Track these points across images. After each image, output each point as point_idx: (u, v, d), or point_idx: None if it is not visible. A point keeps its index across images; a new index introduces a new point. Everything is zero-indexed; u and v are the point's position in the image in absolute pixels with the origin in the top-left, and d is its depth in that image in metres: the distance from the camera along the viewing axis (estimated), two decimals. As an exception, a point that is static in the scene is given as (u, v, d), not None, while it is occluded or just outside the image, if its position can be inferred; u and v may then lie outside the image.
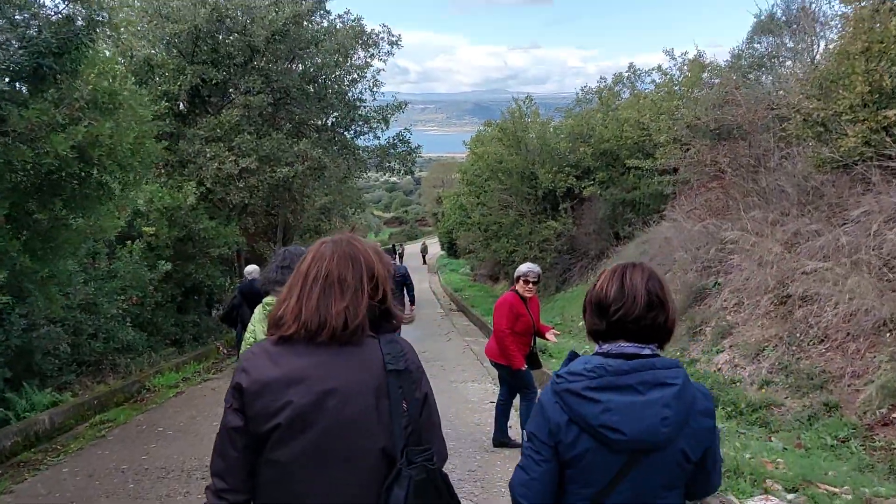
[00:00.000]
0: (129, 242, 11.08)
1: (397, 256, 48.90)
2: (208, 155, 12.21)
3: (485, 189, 24.73)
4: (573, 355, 2.04)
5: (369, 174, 35.28)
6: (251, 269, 10.71)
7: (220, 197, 12.77)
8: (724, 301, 11.01)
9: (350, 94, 17.10)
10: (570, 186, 21.60)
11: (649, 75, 23.82)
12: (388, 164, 19.79)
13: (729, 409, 7.43)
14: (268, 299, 3.76)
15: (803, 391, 7.36)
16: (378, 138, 19.51)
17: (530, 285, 6.33)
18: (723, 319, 10.54)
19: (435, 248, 56.44)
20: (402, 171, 20.00)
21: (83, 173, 6.94)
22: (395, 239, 68.37)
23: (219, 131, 12.45)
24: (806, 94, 11.43)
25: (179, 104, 13.25)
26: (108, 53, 12.45)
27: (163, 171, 12.59)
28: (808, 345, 8.13)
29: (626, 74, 25.31)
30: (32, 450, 6.83)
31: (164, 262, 11.23)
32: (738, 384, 8.43)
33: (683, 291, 12.11)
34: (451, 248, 48.72)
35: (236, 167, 12.24)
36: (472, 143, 30.45)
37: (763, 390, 7.85)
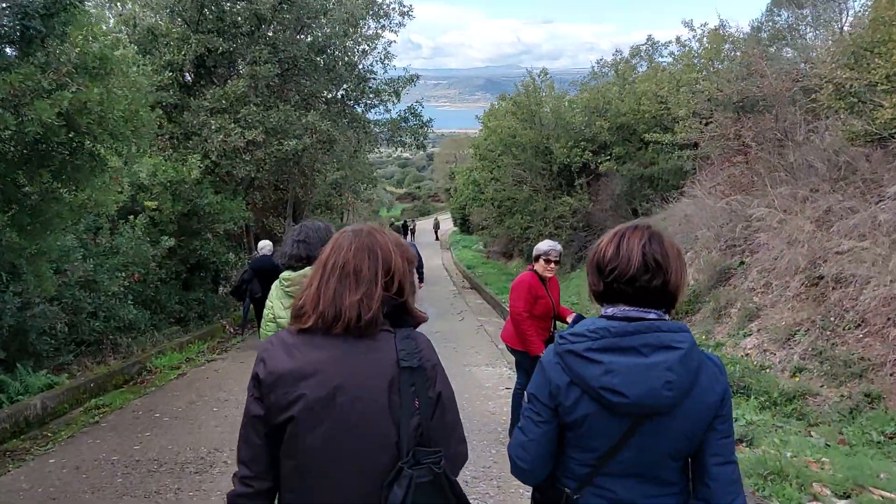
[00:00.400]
0: (131, 217, 10.70)
1: (409, 233, 48.96)
2: (213, 127, 11.76)
3: (498, 164, 24.18)
4: (579, 318, 2.15)
5: (381, 149, 34.80)
6: (264, 244, 10.79)
7: (226, 171, 12.34)
8: (752, 282, 10.52)
9: (360, 66, 16.56)
10: (586, 161, 21.03)
11: (667, 48, 23.11)
12: (399, 139, 19.29)
13: (762, 398, 6.96)
14: (284, 275, 3.73)
15: (840, 380, 6.88)
16: (389, 112, 19.02)
17: (552, 265, 5.78)
18: (750, 301, 10.05)
19: (447, 223, 55.95)
20: (413, 146, 19.48)
21: (73, 143, 6.52)
22: (408, 215, 67.89)
23: (224, 102, 11.98)
24: (838, 64, 10.84)
25: (184, 75, 12.77)
26: (111, 23, 12.03)
27: (168, 143, 12.15)
28: (844, 330, 7.63)
29: (644, 47, 24.61)
30: (21, 437, 6.48)
31: (167, 237, 10.84)
32: (768, 370, 7.96)
33: (707, 271, 11.62)
34: (463, 225, 48.25)
35: (242, 140, 11.79)
36: (486, 117, 29.84)
37: (796, 378, 7.38)
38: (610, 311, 1.92)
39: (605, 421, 1.83)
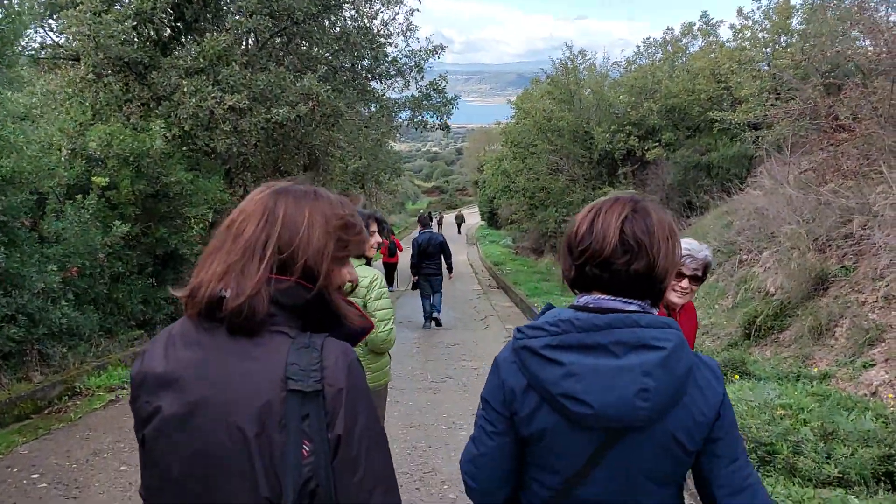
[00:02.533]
0: (79, 197, 8.57)
1: (434, 224, 47.27)
2: (186, 90, 9.57)
3: (532, 151, 21.83)
4: (548, 307, 1.60)
5: (400, 134, 32.57)
6: None
7: (203, 144, 10.15)
8: (863, 293, 8.09)
9: (375, 31, 14.29)
10: (631, 148, 18.61)
11: (718, 27, 20.47)
12: (419, 117, 17.04)
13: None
14: None
15: None
16: (408, 87, 16.80)
17: (685, 283, 2.92)
18: (864, 318, 7.63)
19: (475, 217, 53.57)
20: (436, 126, 17.17)
21: None
22: (434, 207, 65.90)
23: (202, 61, 9.79)
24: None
25: (157, 28, 10.62)
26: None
27: (137, 110, 10.00)
28: None
29: (698, 24, 22.08)
30: None
31: (120, 222, 8.68)
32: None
33: (797, 277, 9.18)
34: (491, 219, 46.03)
35: (221, 105, 9.59)
36: (518, 100, 27.52)
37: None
38: (582, 300, 1.56)
39: (568, 436, 1.49)
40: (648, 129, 18.88)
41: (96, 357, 8.36)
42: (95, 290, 8.94)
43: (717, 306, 11.53)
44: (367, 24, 13.87)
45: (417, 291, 12.31)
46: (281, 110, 9.97)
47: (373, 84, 14.48)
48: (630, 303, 1.51)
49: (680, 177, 16.11)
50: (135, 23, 9.71)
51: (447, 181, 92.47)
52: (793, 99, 12.66)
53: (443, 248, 11.94)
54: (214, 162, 11.21)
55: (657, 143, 18.16)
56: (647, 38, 23.43)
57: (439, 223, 48.81)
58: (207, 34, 10.02)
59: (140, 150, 9.15)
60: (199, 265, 1.37)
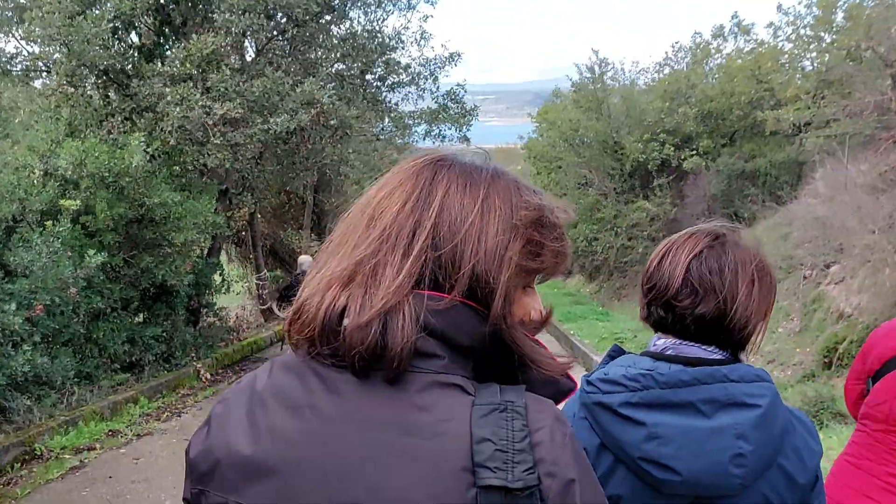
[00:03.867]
0: (49, 224, 7.43)
1: None
2: (170, 99, 8.43)
3: (558, 164, 20.55)
4: (617, 351, 1.45)
5: (423, 146, 31.49)
6: (304, 260, 10.81)
7: (193, 160, 8.99)
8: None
9: (384, 36, 13.15)
10: (666, 157, 17.25)
11: (749, 32, 19.13)
12: (436, 130, 15.90)
13: None
14: None
15: None
16: (422, 98, 15.67)
17: None
18: None
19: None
20: (455, 139, 15.97)
21: None
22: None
23: (188, 66, 8.66)
24: None
25: (138, 33, 9.54)
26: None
27: (116, 124, 8.87)
28: None
29: (729, 25, 20.78)
30: None
31: (94, 251, 7.50)
32: None
33: (886, 295, 7.80)
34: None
35: (210, 116, 8.43)
36: (541, 113, 26.32)
37: None
38: (659, 343, 1.37)
39: (648, 503, 1.29)
40: (684, 136, 17.54)
41: (68, 409, 7.16)
42: (70, 330, 7.77)
43: (780, 330, 10.13)
44: (378, 28, 12.74)
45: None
46: (279, 119, 8.78)
47: (380, 87, 13.31)
48: (712, 351, 1.34)
49: (723, 186, 14.74)
50: (113, 26, 8.61)
51: None
52: (849, 94, 11.30)
53: None
54: (209, 182, 10.06)
55: (694, 152, 16.81)
56: (676, 43, 22.15)
57: None
58: (194, 35, 8.89)
59: (118, 168, 7.99)
60: (311, 269, 0.91)
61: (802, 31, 16.77)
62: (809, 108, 12.69)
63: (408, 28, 14.68)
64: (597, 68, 18.97)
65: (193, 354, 9.95)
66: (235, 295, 17.43)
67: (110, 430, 6.81)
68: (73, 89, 9.04)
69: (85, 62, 8.54)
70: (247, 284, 18.41)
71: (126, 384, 8.42)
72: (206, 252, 11.00)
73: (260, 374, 0.93)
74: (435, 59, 15.16)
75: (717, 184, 14.75)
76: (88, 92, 9.23)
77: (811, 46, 16.23)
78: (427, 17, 14.82)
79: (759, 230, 13.38)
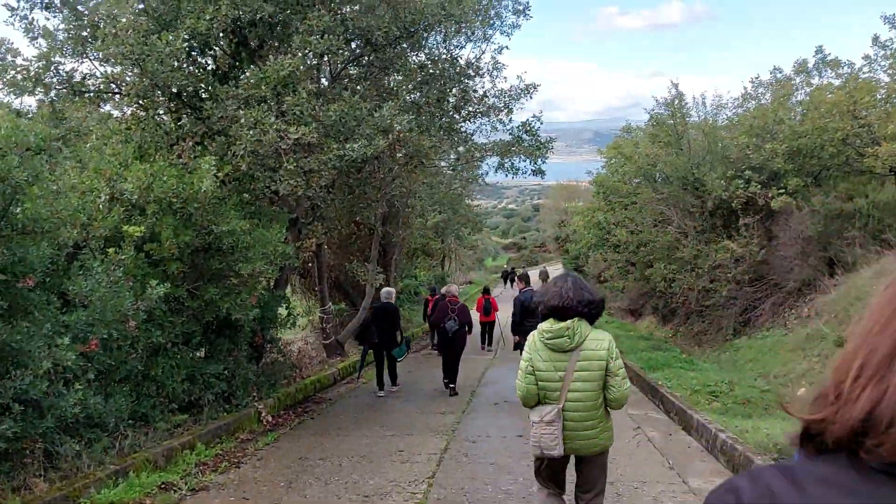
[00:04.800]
0: (111, 251, 6.93)
1: (518, 280, 45.73)
2: (244, 122, 7.94)
3: (633, 200, 19.60)
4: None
5: (479, 195, 30.88)
6: (388, 292, 11.55)
7: (265, 187, 8.46)
8: None
9: (460, 65, 12.57)
10: (751, 196, 16.15)
11: (838, 67, 17.91)
12: (509, 162, 15.23)
13: None
14: (545, 326, 4.03)
15: None
16: (496, 129, 15.06)
17: None
18: None
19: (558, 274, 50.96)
20: (528, 171, 15.24)
21: None
22: (513, 264, 64.05)
23: (263, 88, 8.19)
24: None
25: (214, 53, 9.13)
26: None
27: (186, 147, 8.42)
28: None
29: (813, 60, 19.64)
30: None
31: (157, 282, 6.96)
32: None
33: None
34: (576, 277, 43.48)
35: (285, 140, 7.90)
36: (611, 148, 25.46)
37: None
38: None
39: None
40: (770, 174, 16.43)
41: (119, 456, 6.56)
42: (127, 367, 7.23)
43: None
44: (455, 56, 12.19)
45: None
46: (355, 145, 8.20)
47: (456, 117, 12.71)
48: None
49: (820, 227, 13.59)
50: (188, 46, 8.20)
51: (524, 237, 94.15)
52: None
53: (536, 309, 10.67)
54: (279, 210, 9.53)
55: (783, 190, 15.69)
56: (756, 78, 21.05)
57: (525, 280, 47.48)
58: (271, 57, 8.41)
59: (187, 193, 7.50)
60: (844, 355, 0.84)
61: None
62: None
63: (481, 59, 14.13)
64: (676, 101, 18.07)
65: (255, 394, 9.34)
66: (300, 329, 16.90)
67: (163, 483, 6.17)
68: (144, 112, 8.65)
69: (157, 83, 8.14)
70: (311, 317, 17.88)
71: (183, 426, 7.83)
72: (272, 283, 10.46)
73: (775, 485, 0.79)
74: (510, 91, 14.56)
75: (815, 225, 13.62)
76: (161, 114, 8.82)
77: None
78: (502, 49, 14.28)
79: (864, 277, 12.21)
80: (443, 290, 14.91)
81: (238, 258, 7.95)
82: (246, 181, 8.48)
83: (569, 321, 3.96)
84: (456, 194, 23.87)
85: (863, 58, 16.86)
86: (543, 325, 3.98)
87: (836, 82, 17.15)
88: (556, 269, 52.40)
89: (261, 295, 8.89)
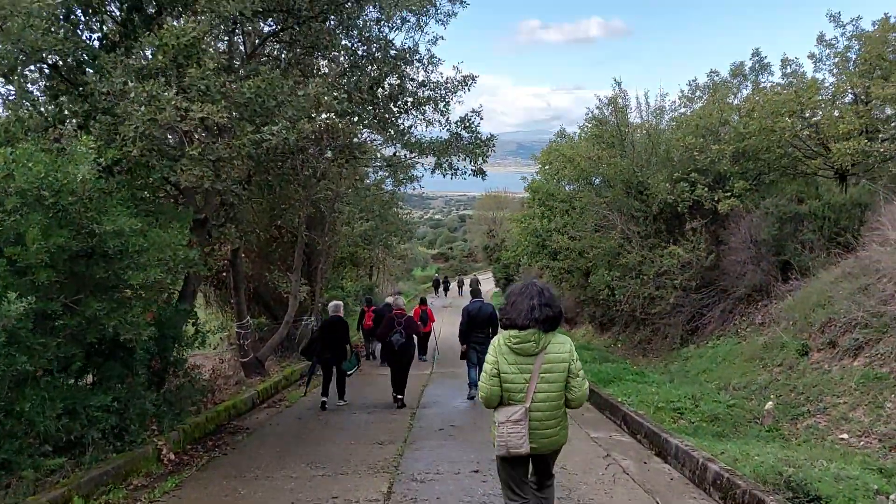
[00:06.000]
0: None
1: (459, 288, 49.80)
2: (135, 97, 6.47)
3: (573, 205, 18.74)
4: None
5: (404, 206, 29.66)
6: (336, 305, 11.16)
7: (161, 178, 6.99)
8: None
9: (397, 49, 11.33)
10: (698, 199, 15.47)
11: (783, 68, 17.52)
12: (447, 161, 14.05)
13: None
14: (512, 333, 4.13)
15: None
16: (432, 124, 13.89)
17: None
18: None
19: (489, 283, 50.18)
20: (469, 171, 14.08)
21: None
22: (443, 274, 63.17)
23: (160, 59, 6.74)
24: None
25: (100, 20, 7.62)
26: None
27: (67, 131, 6.86)
28: None
29: (750, 63, 19.29)
30: None
31: (15, 295, 5.43)
32: None
33: None
34: (507, 286, 42.72)
35: (186, 120, 6.47)
36: (545, 154, 24.70)
37: None
38: None
39: None
40: (717, 176, 15.81)
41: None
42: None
43: (888, 405, 8.19)
44: (390, 39, 10.93)
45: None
46: (275, 128, 6.83)
47: (396, 117, 11.43)
48: None
49: (775, 231, 12.90)
50: (66, 8, 6.69)
51: (451, 248, 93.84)
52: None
53: (492, 320, 11.22)
54: (184, 210, 8.05)
55: (730, 193, 15.06)
56: (693, 80, 20.58)
57: (459, 286, 51.59)
58: (169, 19, 6.97)
59: (60, 184, 5.99)
60: None
61: (851, 66, 15.30)
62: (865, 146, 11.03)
63: (416, 50, 12.94)
64: (619, 100, 17.31)
65: (155, 427, 7.80)
66: (212, 348, 15.26)
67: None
68: (11, 87, 7.07)
69: (26, 50, 6.57)
70: (227, 333, 16.25)
71: (60, 472, 6.26)
72: (176, 296, 8.93)
73: None
74: (447, 83, 13.39)
75: (769, 228, 12.91)
76: (32, 91, 7.25)
77: (858, 81, 14.69)
78: (437, 39, 13.10)
79: (822, 281, 11.53)
80: (389, 301, 15.03)
81: (128, 265, 6.45)
82: (140, 171, 6.99)
83: (531, 329, 4.10)
84: (385, 200, 22.52)
85: (808, 56, 16.48)
86: (510, 332, 4.12)
87: (782, 81, 16.72)
88: (486, 278, 51.63)
89: (160, 309, 7.39)
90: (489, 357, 4.16)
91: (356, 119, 9.47)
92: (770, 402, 9.61)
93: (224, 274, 15.37)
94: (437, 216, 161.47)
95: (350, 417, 10.00)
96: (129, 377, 7.70)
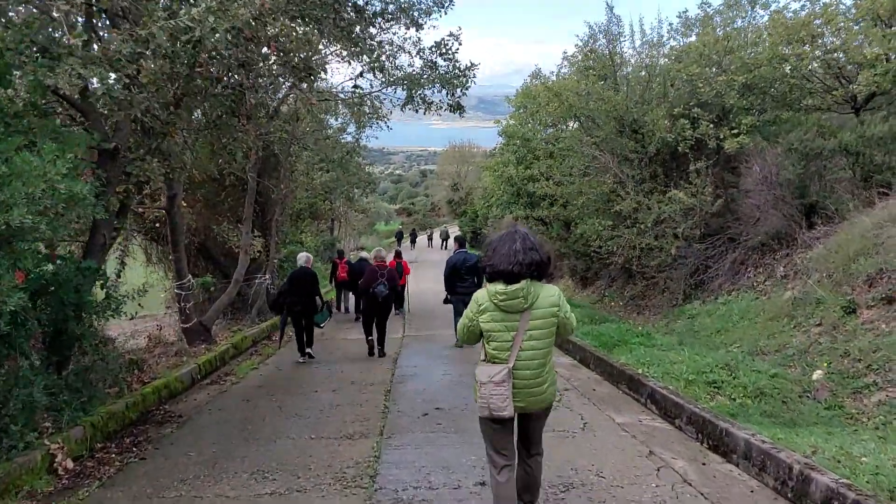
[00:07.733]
0: None
1: (436, 240, 49.56)
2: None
3: (559, 146, 16.90)
4: None
5: (365, 160, 27.48)
6: (303, 256, 10.91)
7: (35, 81, 4.95)
8: None
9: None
10: (701, 137, 13.76)
11: None
12: (420, 94, 12.19)
13: None
14: (498, 288, 3.77)
15: None
16: (402, 50, 11.99)
17: None
18: None
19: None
20: (445, 105, 12.17)
21: None
22: (406, 227, 61.53)
23: None
24: None
25: None
26: None
27: None
28: None
29: (746, -9, 17.47)
30: None
31: None
32: None
33: None
34: (474, 239, 41.10)
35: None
36: (519, 97, 22.79)
37: None
38: None
39: None
40: (721, 111, 14.09)
41: None
42: None
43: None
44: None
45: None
46: (195, 11, 4.80)
47: (362, 28, 9.38)
48: None
49: (800, 169, 11.23)
50: None
51: (412, 203, 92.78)
52: None
53: (476, 269, 11.25)
54: (78, 132, 5.99)
55: (736, 131, 13.38)
56: (684, 12, 18.70)
57: (429, 238, 53.22)
58: None
59: None
60: None
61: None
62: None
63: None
64: (614, 28, 15.39)
65: (49, 424, 5.88)
66: (163, 314, 13.25)
67: None
68: None
69: None
70: (164, 295, 14.23)
71: None
72: (82, 250, 6.91)
73: None
74: (419, 2, 11.45)
75: (794, 167, 11.24)
76: None
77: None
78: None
79: (862, 227, 9.93)
80: (369, 256, 14.50)
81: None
82: (3, 72, 4.91)
83: (522, 282, 3.75)
84: (347, 149, 20.43)
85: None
86: (497, 288, 3.77)
87: (796, 5, 14.97)
88: (454, 231, 49.83)
89: (25, 269, 5.37)
90: (468, 312, 3.89)
91: (312, 25, 7.44)
92: (819, 371, 8.03)
93: (157, 226, 13.30)
94: (398, 171, 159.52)
95: (311, 396, 8.16)
96: (12, 359, 5.73)
